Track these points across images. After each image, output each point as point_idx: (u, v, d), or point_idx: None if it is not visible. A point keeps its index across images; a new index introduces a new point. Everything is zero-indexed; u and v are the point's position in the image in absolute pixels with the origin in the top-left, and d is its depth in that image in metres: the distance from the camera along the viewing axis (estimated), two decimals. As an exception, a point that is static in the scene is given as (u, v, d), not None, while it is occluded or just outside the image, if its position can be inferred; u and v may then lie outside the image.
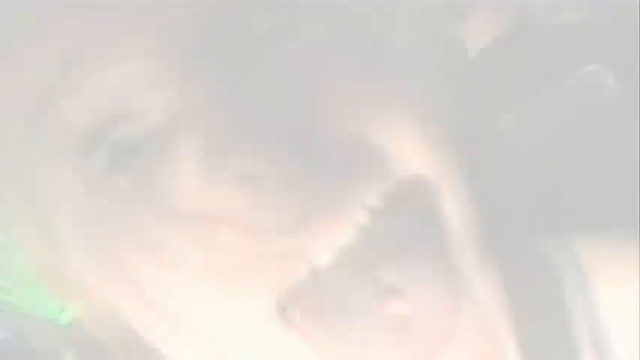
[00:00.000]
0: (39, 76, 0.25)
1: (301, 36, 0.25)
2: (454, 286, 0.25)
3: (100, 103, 0.24)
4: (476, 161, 0.32)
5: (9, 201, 0.29)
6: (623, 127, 1.17)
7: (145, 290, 0.25)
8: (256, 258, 0.23)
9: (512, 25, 1.27)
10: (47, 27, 0.25)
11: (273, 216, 0.22)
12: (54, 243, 0.29)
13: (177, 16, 0.24)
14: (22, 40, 0.25)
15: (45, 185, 0.27)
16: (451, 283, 0.25)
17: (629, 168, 1.13)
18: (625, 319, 0.40)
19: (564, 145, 1.20)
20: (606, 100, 1.19)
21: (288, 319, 0.25)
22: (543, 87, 1.17)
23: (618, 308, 0.40)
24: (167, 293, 0.25)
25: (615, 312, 0.40)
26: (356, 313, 0.24)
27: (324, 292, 0.24)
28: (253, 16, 0.24)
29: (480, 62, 1.27)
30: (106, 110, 0.25)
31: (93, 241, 0.26)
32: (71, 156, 0.25)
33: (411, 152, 0.25)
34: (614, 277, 0.41)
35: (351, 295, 0.24)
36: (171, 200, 0.23)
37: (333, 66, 0.25)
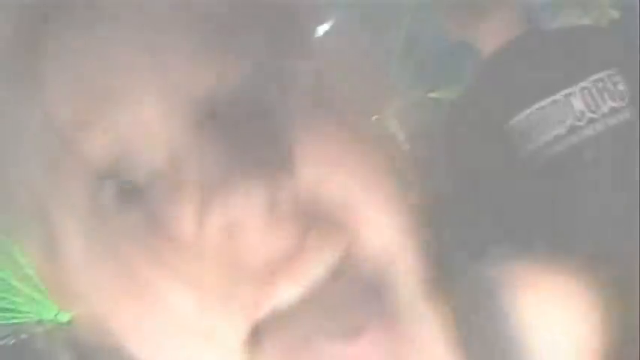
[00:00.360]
0: (63, 117, 0.28)
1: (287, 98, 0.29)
2: (403, 333, 0.29)
3: (114, 145, 0.28)
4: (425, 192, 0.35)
5: (20, 215, 0.32)
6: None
7: (135, 305, 0.29)
8: (234, 288, 0.27)
9: (523, 29, 1.27)
10: (73, 72, 0.28)
11: (251, 257, 0.27)
12: (56, 255, 0.32)
13: (187, 71, 0.28)
14: (48, 81, 0.28)
15: (54, 207, 0.30)
16: (401, 329, 0.30)
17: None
18: (556, 339, 0.44)
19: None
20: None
21: (262, 350, 0.28)
22: (553, 91, 1.17)
23: (550, 329, 0.44)
24: (154, 311, 0.28)
25: (547, 333, 0.43)
26: (319, 352, 0.28)
27: (291, 329, 0.28)
28: (249, 80, 0.28)
29: (492, 65, 1.28)
30: (117, 152, 0.28)
31: (93, 258, 0.30)
32: (81, 188, 0.28)
33: (369, 222, 0.29)
34: (545, 299, 0.44)
35: (315, 334, 0.28)
36: (167, 234, 0.27)
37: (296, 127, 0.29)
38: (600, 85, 1.14)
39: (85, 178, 0.28)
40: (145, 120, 0.27)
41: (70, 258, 0.31)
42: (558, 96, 1.14)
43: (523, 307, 0.44)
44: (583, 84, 1.14)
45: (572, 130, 1.13)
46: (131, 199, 0.28)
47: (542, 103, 1.13)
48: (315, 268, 0.28)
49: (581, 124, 1.13)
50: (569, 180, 1.13)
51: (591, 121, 1.13)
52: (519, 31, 1.24)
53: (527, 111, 1.13)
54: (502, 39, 1.23)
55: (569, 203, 1.13)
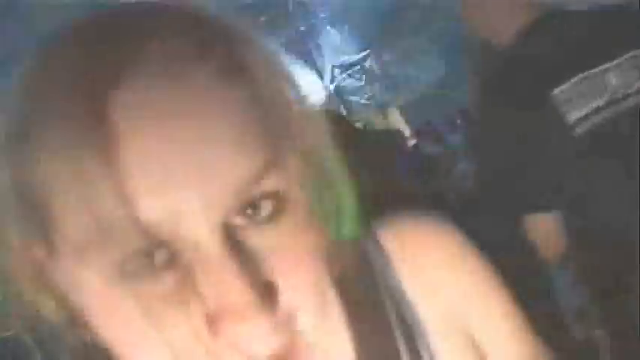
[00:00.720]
0: (129, 184, 0.32)
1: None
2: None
3: (162, 218, 0.32)
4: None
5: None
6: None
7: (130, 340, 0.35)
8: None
9: (542, 13, 1.28)
10: (142, 157, 0.32)
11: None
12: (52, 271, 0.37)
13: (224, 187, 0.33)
14: (122, 158, 0.32)
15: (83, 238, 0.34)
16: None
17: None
18: (425, 291, 0.49)
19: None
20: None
21: None
22: (589, 66, 1.19)
23: (419, 284, 0.49)
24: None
25: (416, 286, 0.49)
26: None
27: None
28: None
29: (511, 50, 1.29)
30: (163, 226, 0.33)
31: (107, 292, 0.34)
32: (124, 240, 0.32)
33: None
34: (412, 257, 0.50)
35: None
36: (178, 312, 0.34)
37: None
38: (633, 62, 1.19)
39: (131, 234, 0.32)
40: (185, 208, 0.33)
41: (70, 282, 0.36)
42: (596, 70, 1.17)
43: (401, 265, 0.49)
44: (618, 61, 1.19)
45: (610, 103, 1.17)
46: (163, 265, 0.34)
47: (582, 75, 1.17)
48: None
49: (617, 97, 1.17)
50: (607, 150, 1.17)
51: (626, 96, 1.17)
52: (536, 14, 1.26)
53: (570, 82, 1.17)
54: (517, 25, 1.26)
55: (605, 173, 1.18)
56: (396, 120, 5.66)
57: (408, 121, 5.56)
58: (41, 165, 0.33)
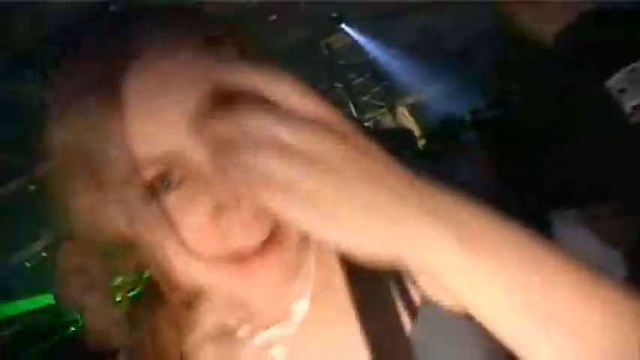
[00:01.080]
0: (131, 135, 0.44)
1: None
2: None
3: (161, 154, 0.44)
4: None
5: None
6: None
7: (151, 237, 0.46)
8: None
9: (583, 13, 1.28)
10: (140, 115, 0.44)
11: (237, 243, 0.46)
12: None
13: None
14: (126, 117, 0.44)
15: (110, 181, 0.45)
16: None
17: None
18: None
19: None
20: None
21: None
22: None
23: None
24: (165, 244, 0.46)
25: None
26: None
27: None
28: None
29: (558, 46, 1.29)
30: (162, 160, 0.44)
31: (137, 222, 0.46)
32: (136, 185, 0.44)
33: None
34: None
35: None
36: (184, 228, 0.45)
37: None
38: None
39: (147, 166, 0.44)
40: (174, 143, 0.44)
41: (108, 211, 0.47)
42: None
43: None
44: None
45: None
46: (174, 185, 0.45)
47: (631, 67, 1.19)
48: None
49: None
50: None
51: None
52: (577, 14, 1.27)
53: (621, 73, 1.18)
54: (559, 25, 1.26)
55: None
56: (406, 119, 5.65)
57: (418, 121, 5.55)
58: (76, 127, 0.45)
